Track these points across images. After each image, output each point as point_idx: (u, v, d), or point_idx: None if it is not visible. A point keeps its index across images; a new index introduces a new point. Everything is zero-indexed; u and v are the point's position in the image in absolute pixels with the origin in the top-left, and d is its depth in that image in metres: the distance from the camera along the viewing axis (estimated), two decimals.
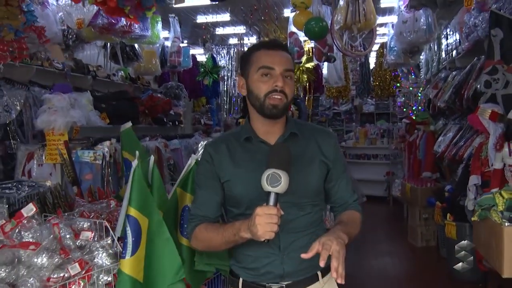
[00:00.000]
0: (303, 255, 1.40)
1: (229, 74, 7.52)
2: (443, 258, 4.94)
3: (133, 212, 1.73)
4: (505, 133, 3.13)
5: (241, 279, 1.70)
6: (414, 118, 6.96)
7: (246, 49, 1.65)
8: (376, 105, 11.84)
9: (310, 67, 7.23)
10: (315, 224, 1.71)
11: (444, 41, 6.33)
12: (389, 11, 6.58)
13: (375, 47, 8.74)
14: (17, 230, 1.51)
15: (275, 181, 1.41)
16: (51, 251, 1.48)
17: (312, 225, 1.68)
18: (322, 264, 1.36)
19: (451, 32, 5.83)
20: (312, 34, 4.45)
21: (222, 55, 7.45)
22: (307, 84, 7.56)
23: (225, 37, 7.37)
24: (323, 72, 7.78)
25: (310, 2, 4.54)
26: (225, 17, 5.70)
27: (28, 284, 1.34)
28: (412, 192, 5.75)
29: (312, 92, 7.90)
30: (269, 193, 1.43)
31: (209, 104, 7.65)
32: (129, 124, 2.50)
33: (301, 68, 7.09)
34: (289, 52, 1.70)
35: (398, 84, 8.71)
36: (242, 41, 6.54)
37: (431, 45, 6.94)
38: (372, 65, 9.40)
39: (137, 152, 1.95)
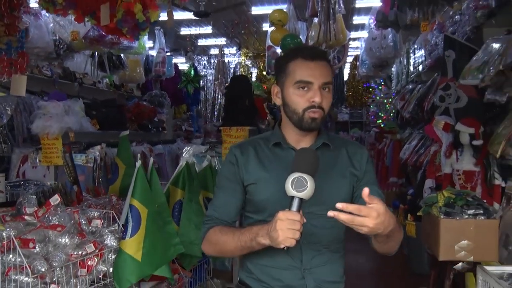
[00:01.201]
0: (339, 205, 1.25)
1: (209, 84, 7.90)
2: (405, 255, 5.40)
3: (135, 202, 2.11)
4: (453, 142, 3.58)
5: None
6: (382, 127, 7.45)
7: (281, 55, 1.55)
8: (350, 114, 12.39)
9: None
10: (339, 241, 1.63)
11: (412, 56, 6.83)
12: (361, 27, 7.06)
13: (349, 59, 9.22)
14: (46, 215, 1.87)
15: (301, 186, 1.34)
16: (72, 233, 1.83)
17: (335, 242, 1.61)
18: (338, 205, 1.25)
19: (418, 48, 6.33)
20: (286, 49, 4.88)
21: (203, 64, 7.83)
22: None
23: (207, 47, 7.75)
24: None
25: (286, 19, 4.96)
26: (208, 29, 6.08)
27: (57, 258, 1.70)
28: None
29: None
30: (292, 198, 1.36)
31: (190, 111, 8.01)
32: (126, 132, 2.88)
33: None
34: (328, 59, 1.61)
35: (370, 96, 9.22)
36: (222, 52, 6.94)
37: (401, 58, 7.43)
38: (346, 76, 9.90)
39: (138, 155, 2.34)
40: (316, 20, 4.86)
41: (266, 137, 1.67)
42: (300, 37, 5.21)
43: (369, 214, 1.23)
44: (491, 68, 2.89)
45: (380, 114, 8.69)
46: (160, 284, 2.45)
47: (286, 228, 1.31)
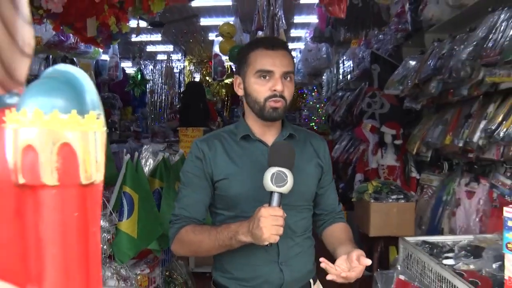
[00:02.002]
0: (322, 264, 1.34)
1: (156, 87, 8.25)
2: None
3: (127, 189, 2.54)
4: (379, 142, 4.28)
5: None
6: (315, 129, 8.18)
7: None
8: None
9: (229, 82, 8.20)
10: (309, 229, 1.64)
11: (341, 66, 7.60)
12: (297, 39, 7.75)
13: None
14: None
15: (281, 180, 1.31)
16: None
17: (307, 231, 1.62)
18: (323, 265, 1.34)
19: (347, 60, 7.10)
20: (235, 59, 5.41)
21: (150, 69, 8.17)
22: (226, 97, 8.52)
23: (154, 53, 8.09)
24: None
25: (234, 32, 5.49)
26: (157, 37, 6.46)
27: None
28: None
29: (230, 104, 8.87)
30: (271, 193, 1.33)
31: (136, 113, 8.30)
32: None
33: (220, 84, 8.03)
34: (289, 49, 1.59)
35: (304, 101, 9.95)
36: (170, 58, 7.33)
37: (332, 68, 8.23)
38: None
39: (124, 150, 2.77)
40: (260, 33, 5.43)
41: (230, 130, 1.62)
42: None
43: (357, 273, 1.33)
44: (409, 81, 3.59)
45: (313, 117, 9.43)
46: (139, 262, 2.88)
47: (270, 225, 1.29)
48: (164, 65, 8.00)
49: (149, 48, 7.57)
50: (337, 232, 1.65)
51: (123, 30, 3.29)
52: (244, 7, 5.48)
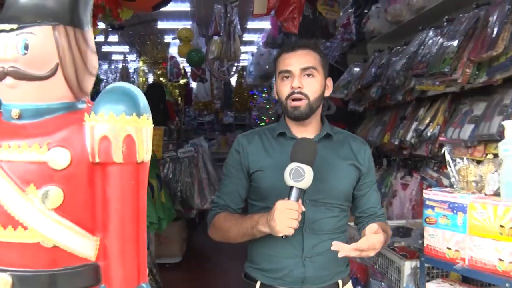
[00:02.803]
0: (334, 247, 1.36)
1: None
2: None
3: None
4: None
5: (259, 282, 1.59)
6: None
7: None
8: (235, 117, 13.45)
9: (182, 83, 8.42)
10: (340, 230, 1.63)
11: None
12: (249, 43, 8.10)
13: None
14: None
15: (298, 176, 1.35)
16: None
17: (337, 231, 1.61)
18: (334, 247, 1.36)
19: None
20: (193, 62, 5.68)
21: (104, 69, 8.26)
22: (179, 97, 8.73)
23: (108, 53, 8.17)
24: (192, 88, 9.03)
25: (191, 36, 5.76)
26: (114, 38, 6.60)
27: None
28: None
29: (183, 104, 9.09)
30: (290, 187, 1.37)
31: None
32: None
33: (174, 84, 8.25)
34: (314, 48, 1.63)
35: (255, 102, 10.32)
36: (126, 58, 7.47)
37: None
38: (233, 84, 10.92)
39: None
40: (216, 37, 5.74)
41: (272, 127, 1.68)
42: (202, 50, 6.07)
43: (372, 247, 1.39)
44: (353, 86, 4.00)
45: (262, 117, 9.81)
46: None
47: (283, 217, 1.34)
48: (118, 65, 8.13)
49: (105, 49, 7.68)
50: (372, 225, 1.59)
51: (94, 34, 3.51)
52: (201, 12, 5.77)
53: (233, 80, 10.84)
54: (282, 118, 1.68)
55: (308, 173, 1.36)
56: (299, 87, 1.53)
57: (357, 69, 4.28)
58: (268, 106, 9.93)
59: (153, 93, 4.90)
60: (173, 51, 6.81)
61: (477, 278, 1.76)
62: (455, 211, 1.75)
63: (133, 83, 8.13)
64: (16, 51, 0.87)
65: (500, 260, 1.59)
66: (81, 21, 0.94)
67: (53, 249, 0.89)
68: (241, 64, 9.86)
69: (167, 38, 7.08)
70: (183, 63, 7.78)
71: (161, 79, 8.57)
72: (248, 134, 1.70)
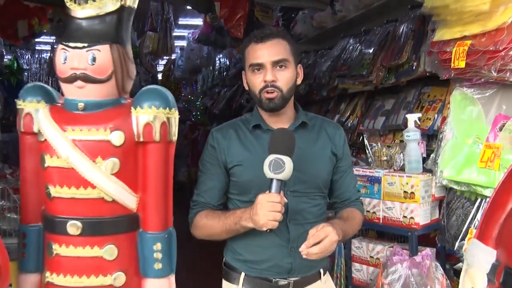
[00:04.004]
0: (302, 251, 1.37)
1: (37, 76, 8.20)
2: None
3: None
4: None
5: (243, 274, 1.58)
6: (193, 120, 8.91)
7: None
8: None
9: None
10: (322, 217, 1.63)
11: (218, 63, 8.42)
12: (180, 38, 8.37)
13: (163, 62, 10.43)
14: None
15: (278, 168, 1.34)
16: None
17: (319, 218, 1.60)
18: (302, 249, 1.37)
19: (223, 58, 7.93)
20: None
21: (27, 59, 8.12)
22: None
23: (36, 43, 8.04)
24: None
25: None
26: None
27: None
28: (195, 175, 7.63)
29: None
30: (271, 180, 1.36)
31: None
32: None
33: None
34: (283, 35, 1.58)
35: (182, 94, 10.58)
36: (54, 49, 7.44)
37: None
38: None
39: None
40: (150, 32, 6.00)
41: (246, 119, 1.65)
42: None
43: (325, 233, 1.38)
44: None
45: (190, 109, 10.13)
46: None
47: (266, 211, 1.34)
48: (43, 55, 8.05)
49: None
50: (339, 213, 1.66)
51: (43, 29, 3.72)
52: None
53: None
54: (255, 109, 1.67)
55: (288, 164, 1.35)
56: (273, 80, 1.51)
57: None
58: (192, 98, 10.24)
59: None
60: None
61: (388, 231, 2.33)
62: (372, 183, 2.31)
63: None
64: (86, 62, 1.23)
65: (404, 216, 2.16)
66: (124, 41, 1.32)
67: (111, 203, 1.26)
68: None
69: None
70: None
71: None
72: (222, 128, 1.68)
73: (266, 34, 1.55)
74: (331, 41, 3.90)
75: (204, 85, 9.47)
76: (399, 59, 2.66)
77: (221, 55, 7.98)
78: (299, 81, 1.64)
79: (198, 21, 6.52)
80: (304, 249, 1.37)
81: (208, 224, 1.58)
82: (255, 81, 1.55)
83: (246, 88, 1.64)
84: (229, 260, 1.65)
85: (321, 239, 1.38)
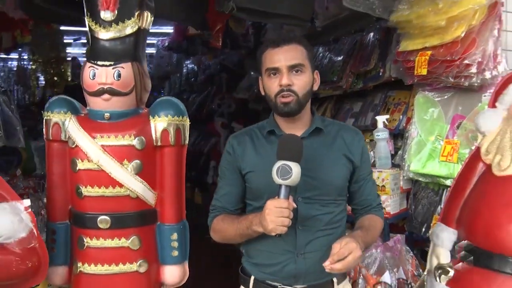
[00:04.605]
0: (326, 266, 1.33)
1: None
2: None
3: None
4: (229, 135, 5.39)
5: (252, 277, 1.61)
6: None
7: None
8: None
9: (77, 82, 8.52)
10: (335, 225, 1.59)
11: (185, 70, 8.56)
12: (150, 45, 8.49)
13: None
14: None
15: (286, 174, 1.35)
16: None
17: (331, 226, 1.57)
18: (326, 265, 1.33)
19: (190, 64, 8.08)
20: None
21: None
22: None
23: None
24: None
25: None
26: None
27: None
28: None
29: None
30: (280, 185, 1.38)
31: None
32: None
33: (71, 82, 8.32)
34: (300, 41, 1.57)
35: None
36: (22, 57, 7.42)
37: None
38: None
39: None
40: None
41: (262, 125, 1.66)
42: None
43: (349, 250, 1.33)
44: (255, 89, 4.75)
45: None
46: None
47: (274, 216, 1.35)
48: (8, 63, 8.00)
49: None
50: (360, 221, 1.63)
51: (25, 40, 3.85)
52: None
53: None
54: (271, 115, 1.67)
55: (295, 169, 1.36)
56: (289, 85, 1.51)
57: (255, 75, 5.03)
58: None
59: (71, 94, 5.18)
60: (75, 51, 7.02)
61: None
62: None
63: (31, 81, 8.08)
64: (112, 78, 1.42)
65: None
66: (141, 59, 1.51)
67: (135, 199, 1.46)
68: None
69: (67, 39, 7.22)
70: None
71: (55, 78, 8.57)
72: (238, 134, 1.71)
73: (282, 39, 1.56)
74: None
75: (171, 91, 9.56)
76: (367, 66, 2.94)
77: (189, 61, 8.13)
78: (315, 87, 1.63)
79: (167, 29, 6.67)
80: (328, 265, 1.34)
81: (224, 228, 1.60)
82: (271, 85, 1.55)
83: (263, 93, 1.63)
84: (244, 262, 1.68)
85: (345, 256, 1.34)
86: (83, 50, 7.43)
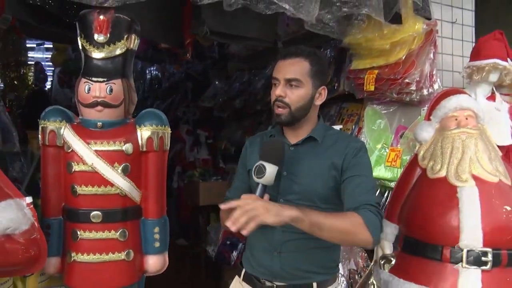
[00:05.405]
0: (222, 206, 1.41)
1: None
2: None
3: None
4: (194, 142, 5.62)
5: (243, 270, 1.73)
6: None
7: None
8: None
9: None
10: None
11: (148, 76, 8.68)
12: None
13: None
14: None
15: (260, 173, 1.44)
16: None
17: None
18: (228, 222, 1.35)
19: (155, 71, 8.22)
20: (68, 71, 6.11)
21: None
22: None
23: None
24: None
25: (67, 45, 6.16)
26: None
27: None
28: None
29: None
30: (257, 183, 1.47)
31: None
32: None
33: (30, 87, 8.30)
34: (307, 56, 1.59)
35: None
36: None
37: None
38: None
39: None
40: None
41: (270, 130, 1.81)
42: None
43: (246, 201, 1.36)
44: (220, 98, 5.01)
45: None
46: None
47: (244, 211, 1.34)
48: None
49: None
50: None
51: None
52: None
53: None
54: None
55: (268, 170, 1.45)
56: (281, 96, 1.58)
57: (220, 84, 5.29)
58: None
59: (36, 99, 5.27)
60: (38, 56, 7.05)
61: None
62: None
63: None
64: (105, 92, 1.65)
65: None
66: (129, 75, 1.75)
67: (124, 197, 1.69)
68: None
69: (30, 44, 7.25)
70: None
71: (15, 82, 8.51)
72: (253, 136, 1.86)
73: (290, 53, 1.61)
74: (262, 61, 4.45)
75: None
76: None
77: (152, 68, 8.25)
78: (318, 102, 1.66)
79: None
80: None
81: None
82: (271, 93, 1.64)
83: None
84: (243, 260, 1.78)
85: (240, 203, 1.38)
86: (47, 55, 7.47)
